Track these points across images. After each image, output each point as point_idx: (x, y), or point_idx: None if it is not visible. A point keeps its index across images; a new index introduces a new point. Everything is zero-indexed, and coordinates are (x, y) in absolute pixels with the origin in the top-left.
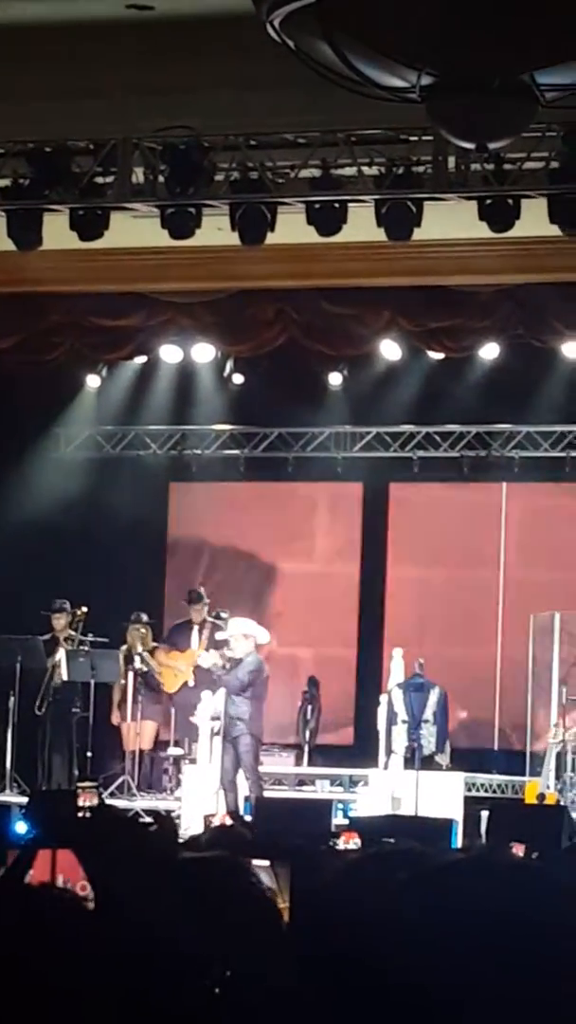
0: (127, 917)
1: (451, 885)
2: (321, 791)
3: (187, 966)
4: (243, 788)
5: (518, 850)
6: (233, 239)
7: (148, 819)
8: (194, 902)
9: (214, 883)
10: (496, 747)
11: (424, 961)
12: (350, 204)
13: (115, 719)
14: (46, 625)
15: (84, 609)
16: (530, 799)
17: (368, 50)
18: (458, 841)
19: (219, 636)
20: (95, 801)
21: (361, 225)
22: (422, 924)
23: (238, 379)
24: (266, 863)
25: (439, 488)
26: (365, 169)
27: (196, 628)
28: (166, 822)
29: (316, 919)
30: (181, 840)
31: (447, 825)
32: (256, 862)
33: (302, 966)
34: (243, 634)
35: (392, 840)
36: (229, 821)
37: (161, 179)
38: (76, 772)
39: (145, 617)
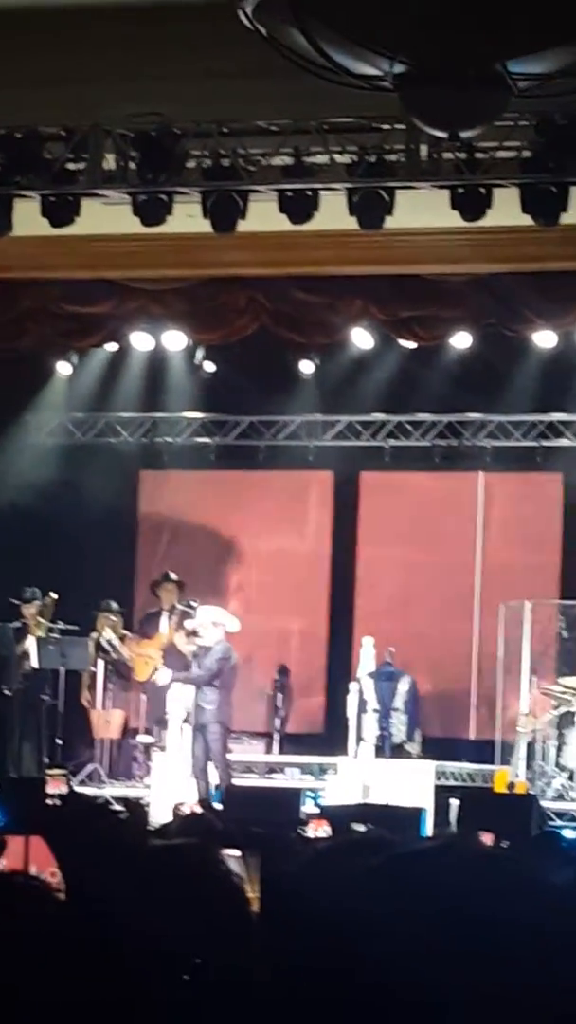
0: (97, 904)
1: (418, 874)
2: (291, 779)
3: (157, 953)
4: (213, 776)
5: (487, 839)
6: (205, 226)
7: (118, 807)
8: (164, 890)
9: (184, 871)
10: (466, 736)
11: (391, 950)
12: (322, 192)
13: (84, 700)
14: (16, 613)
15: (54, 596)
16: (500, 788)
17: (341, 38)
18: (428, 829)
19: (188, 624)
20: (64, 789)
21: (333, 213)
22: (389, 913)
23: (209, 367)
24: (237, 852)
25: (410, 477)
26: (337, 157)
27: (166, 614)
28: (136, 810)
29: (285, 908)
30: (151, 828)
31: (417, 814)
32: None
33: (272, 954)
34: (212, 622)
35: (362, 828)
36: (199, 809)
37: (132, 166)
38: (46, 760)
39: (115, 605)
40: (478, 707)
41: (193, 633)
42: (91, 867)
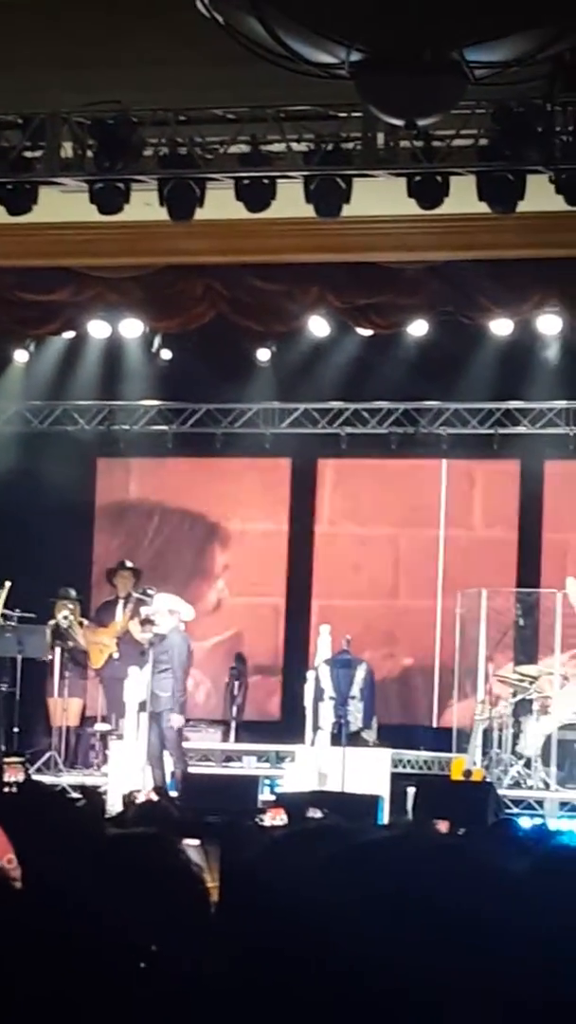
0: (54, 892)
1: (375, 863)
2: (248, 767)
3: (113, 941)
4: (169, 764)
5: (443, 827)
6: (162, 214)
7: (75, 795)
8: (121, 878)
9: (141, 859)
10: (423, 724)
11: (350, 938)
12: (279, 180)
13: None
14: None
15: (8, 584)
16: (457, 776)
17: (297, 26)
18: (384, 817)
19: (144, 611)
20: (21, 776)
21: (290, 201)
22: (347, 901)
23: (166, 355)
24: (196, 842)
25: (367, 464)
26: (294, 145)
27: (121, 602)
28: (93, 798)
29: (244, 897)
30: (108, 816)
31: (373, 801)
32: (186, 841)
33: (230, 943)
34: (168, 610)
35: (318, 814)
36: (154, 797)
37: (90, 154)
38: (2, 747)
39: (73, 592)
40: (434, 695)
41: (148, 621)
42: (48, 855)
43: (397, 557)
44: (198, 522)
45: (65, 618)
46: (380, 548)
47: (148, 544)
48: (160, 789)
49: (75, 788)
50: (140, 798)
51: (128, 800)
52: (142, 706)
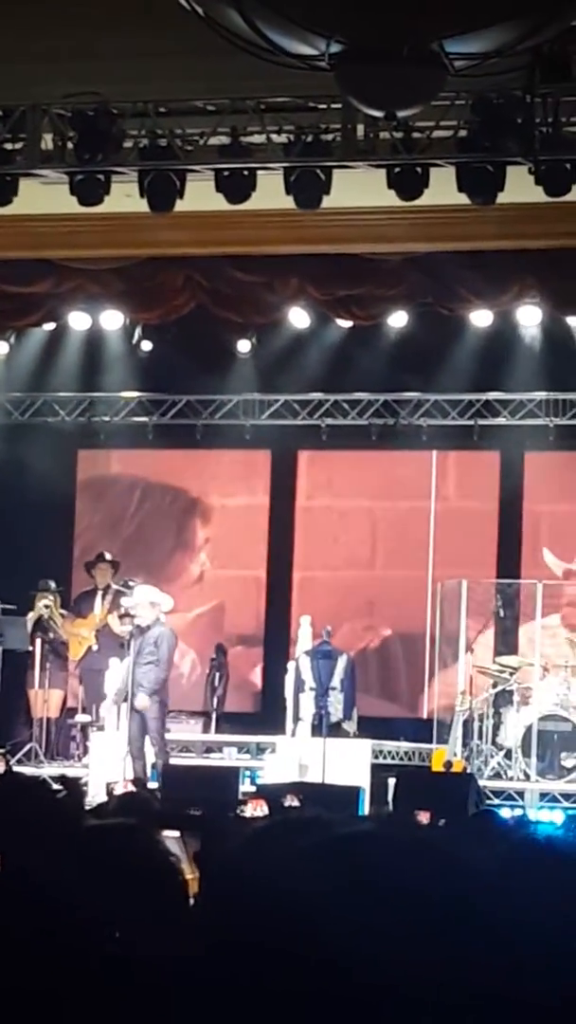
0: (32, 883)
1: (351, 855)
2: (228, 758)
3: (91, 932)
4: (150, 755)
5: (424, 817)
6: (142, 206)
7: (56, 786)
8: (98, 869)
9: (118, 850)
10: (403, 715)
11: (332, 930)
12: (259, 172)
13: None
14: None
15: None
16: (437, 767)
17: (277, 17)
18: (365, 808)
19: (124, 602)
20: (1, 767)
21: (270, 193)
22: (327, 893)
23: (147, 346)
24: (175, 833)
25: (349, 455)
26: (274, 137)
27: (100, 593)
28: (73, 788)
29: (223, 888)
30: (88, 807)
31: (354, 792)
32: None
33: (209, 935)
34: (150, 602)
35: (295, 803)
36: (132, 788)
37: (70, 145)
38: None
39: (53, 584)
40: (415, 685)
41: (127, 615)
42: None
43: (382, 546)
44: (177, 512)
45: (46, 607)
46: (364, 537)
47: (128, 534)
48: (138, 780)
49: (56, 779)
50: (119, 789)
51: (110, 791)
52: (123, 697)
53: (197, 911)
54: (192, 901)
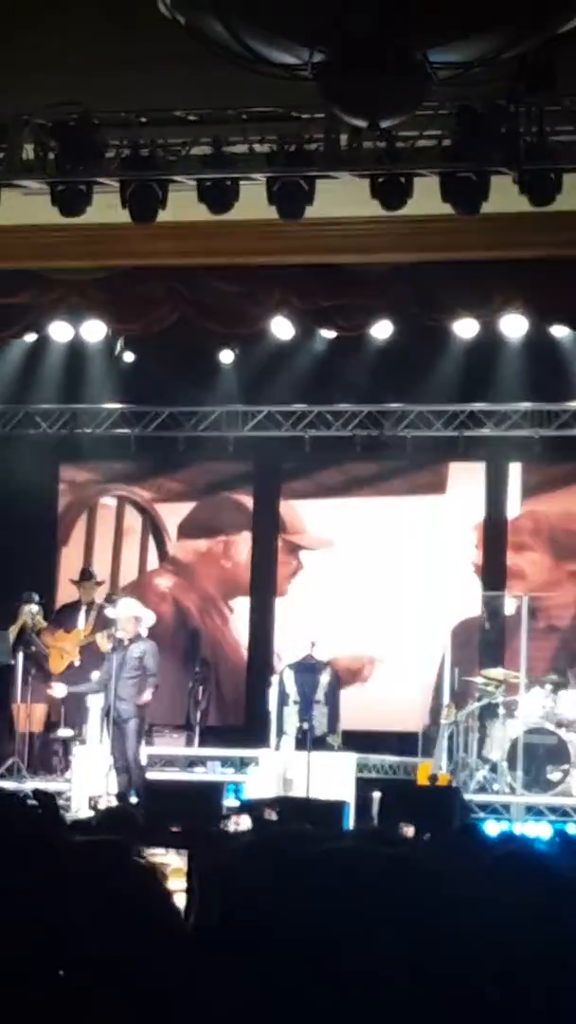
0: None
1: (339, 871)
2: (212, 772)
3: (70, 946)
4: (133, 769)
5: (408, 831)
6: (124, 216)
7: (32, 801)
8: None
9: (102, 865)
10: (388, 728)
11: (322, 946)
12: (241, 182)
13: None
14: None
15: None
16: (422, 780)
17: (259, 27)
18: (350, 823)
19: (108, 613)
20: None
21: (253, 203)
22: (314, 909)
23: (129, 357)
24: (161, 850)
25: (332, 467)
26: (256, 147)
27: (84, 608)
28: (48, 803)
29: (214, 907)
30: (71, 822)
31: (339, 807)
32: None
33: (202, 953)
34: (133, 616)
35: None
36: (116, 803)
37: (51, 156)
38: None
39: (36, 597)
40: (399, 699)
41: (112, 636)
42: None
43: (368, 560)
44: (161, 523)
45: (31, 632)
46: (349, 550)
47: (110, 548)
48: (122, 795)
49: (32, 795)
50: (102, 804)
51: (94, 805)
52: (106, 712)
53: (188, 929)
54: (180, 917)
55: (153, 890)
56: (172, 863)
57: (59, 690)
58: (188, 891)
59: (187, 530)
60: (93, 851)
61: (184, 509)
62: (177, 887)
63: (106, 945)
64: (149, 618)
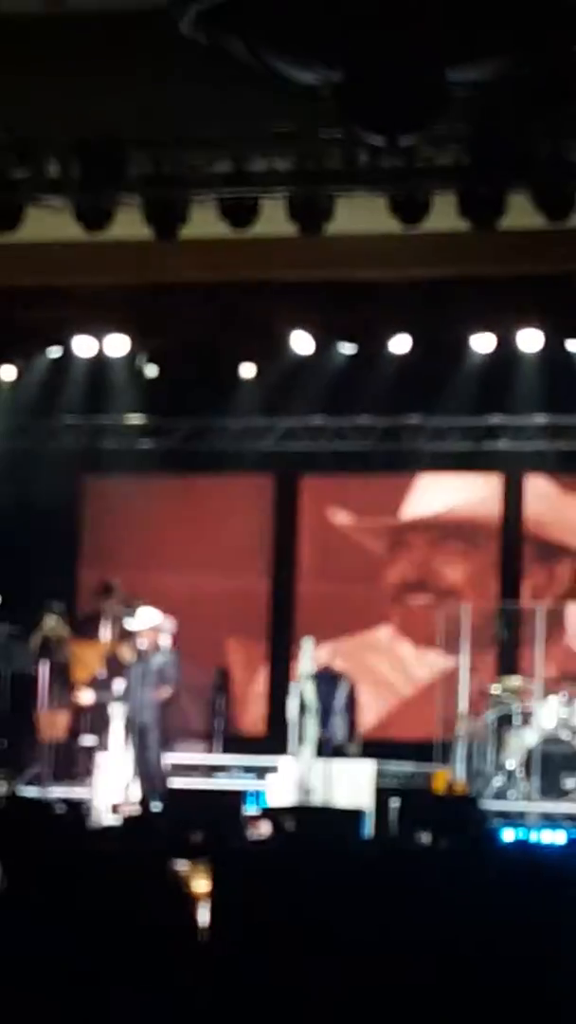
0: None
1: (361, 878)
2: (232, 780)
3: (97, 952)
4: (155, 777)
5: (425, 839)
6: (147, 233)
7: (59, 809)
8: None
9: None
10: (406, 737)
11: (345, 951)
12: (262, 198)
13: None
14: None
15: None
16: (439, 788)
17: (279, 47)
18: (368, 830)
19: (128, 626)
20: (5, 789)
21: (273, 219)
22: (338, 917)
23: (151, 372)
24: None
25: (351, 480)
26: (277, 164)
27: (108, 620)
28: (76, 811)
29: (237, 913)
30: (94, 829)
31: (357, 815)
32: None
33: (223, 958)
34: (152, 627)
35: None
36: (139, 810)
37: (75, 173)
38: None
39: (59, 606)
40: (417, 707)
41: (131, 640)
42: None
43: (383, 570)
44: (182, 538)
45: (52, 626)
46: (365, 561)
47: (132, 560)
48: (144, 802)
49: (61, 802)
50: (124, 811)
51: (116, 812)
52: (128, 720)
53: (211, 939)
54: (202, 928)
55: (182, 901)
56: (195, 871)
57: (86, 696)
58: (211, 898)
59: (207, 540)
60: (124, 862)
61: (204, 518)
62: (200, 894)
63: (132, 951)
64: (168, 625)
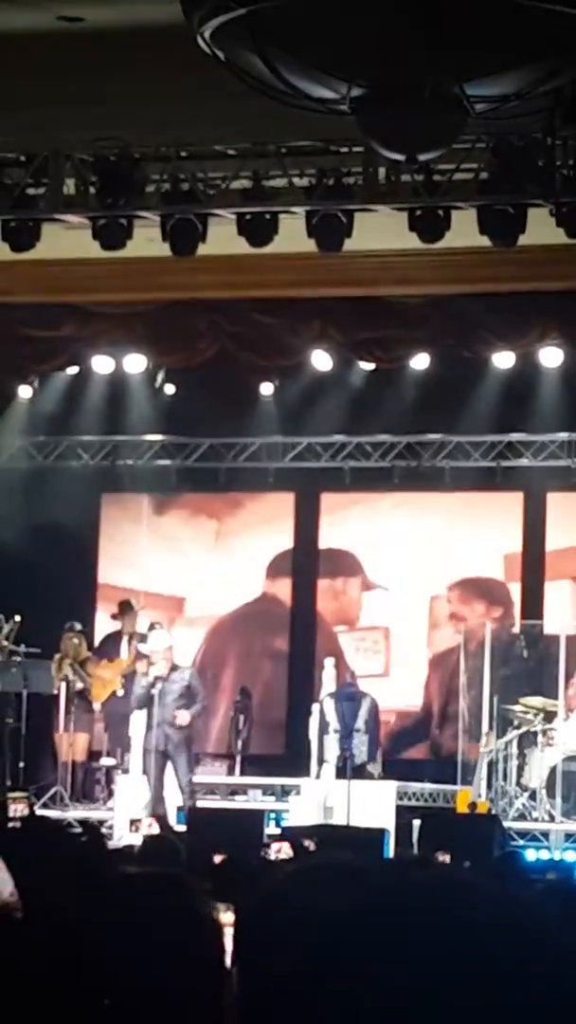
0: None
1: (388, 905)
2: (253, 801)
3: (117, 977)
4: (176, 798)
5: (445, 859)
6: (164, 250)
7: (77, 829)
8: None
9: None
10: (428, 756)
11: (366, 979)
12: (281, 215)
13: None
14: None
15: (17, 619)
16: (462, 808)
17: (298, 62)
18: (390, 851)
19: (143, 648)
20: (25, 811)
21: (292, 236)
22: (358, 943)
23: (170, 389)
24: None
25: (370, 497)
26: (296, 180)
27: (126, 639)
28: (94, 832)
29: (260, 938)
30: (114, 849)
31: (379, 835)
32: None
33: (249, 985)
34: (165, 648)
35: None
36: (157, 829)
37: (93, 190)
38: (8, 782)
39: (79, 626)
40: (439, 727)
41: (149, 659)
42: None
43: (402, 590)
44: (201, 556)
45: (73, 663)
46: (384, 580)
47: (151, 579)
48: (163, 821)
49: (80, 823)
50: (143, 828)
51: (136, 829)
52: (148, 740)
53: (234, 962)
54: (227, 953)
55: (205, 927)
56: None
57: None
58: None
59: (228, 560)
60: (142, 883)
61: (223, 537)
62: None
63: (154, 976)
64: (183, 646)
